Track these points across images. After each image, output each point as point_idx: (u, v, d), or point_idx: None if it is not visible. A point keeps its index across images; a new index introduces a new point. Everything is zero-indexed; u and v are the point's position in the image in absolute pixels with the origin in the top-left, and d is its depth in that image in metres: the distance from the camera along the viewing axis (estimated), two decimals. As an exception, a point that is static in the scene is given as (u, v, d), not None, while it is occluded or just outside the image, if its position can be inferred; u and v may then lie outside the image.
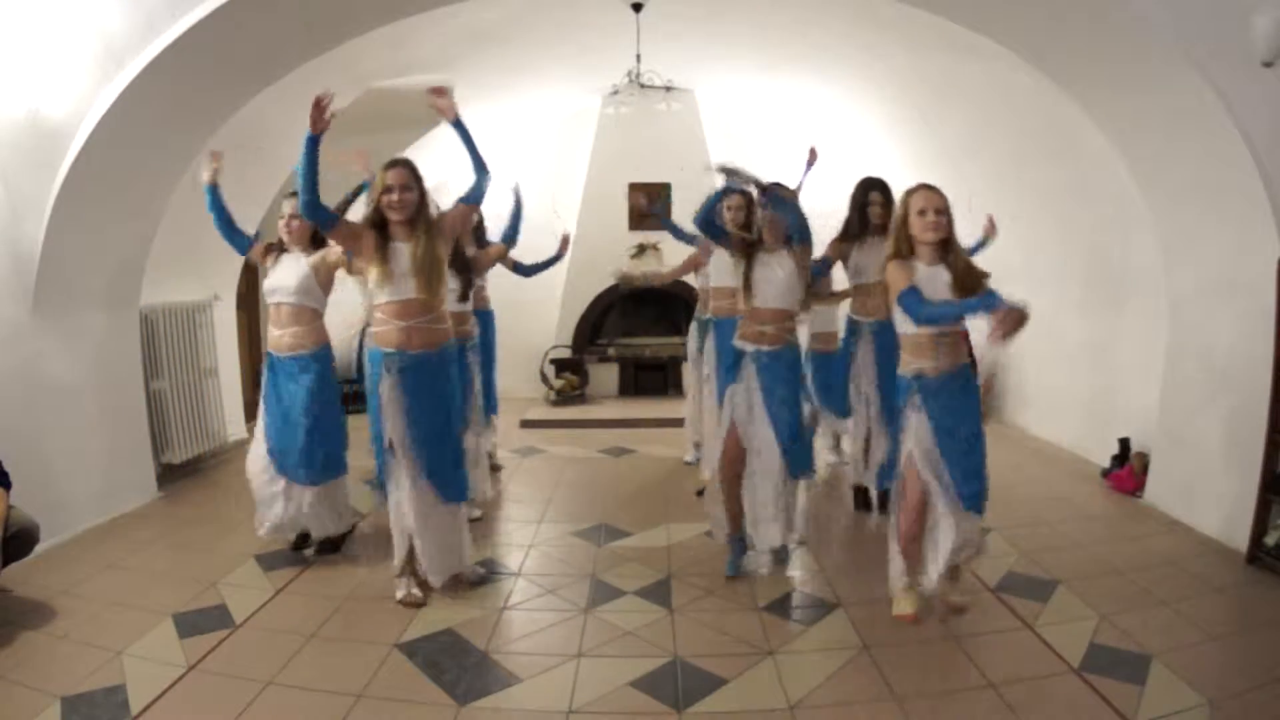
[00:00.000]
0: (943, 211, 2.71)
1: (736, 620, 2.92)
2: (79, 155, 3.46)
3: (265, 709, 2.34)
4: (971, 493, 2.71)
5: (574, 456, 5.42)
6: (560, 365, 7.41)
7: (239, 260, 5.58)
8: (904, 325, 2.76)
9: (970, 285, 2.66)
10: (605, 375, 7.59)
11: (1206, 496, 3.72)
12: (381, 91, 5.31)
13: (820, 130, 7.36)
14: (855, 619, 2.90)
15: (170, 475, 4.68)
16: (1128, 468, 4.42)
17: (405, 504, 3.00)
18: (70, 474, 3.80)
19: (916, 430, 2.74)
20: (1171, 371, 4.04)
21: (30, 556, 3.11)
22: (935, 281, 2.68)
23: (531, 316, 7.15)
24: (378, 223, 2.91)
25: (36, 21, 3.36)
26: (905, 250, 2.75)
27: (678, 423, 5.42)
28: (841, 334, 4.28)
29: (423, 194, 2.95)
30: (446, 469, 3.03)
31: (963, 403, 2.76)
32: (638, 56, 5.27)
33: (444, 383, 3.03)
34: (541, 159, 7.50)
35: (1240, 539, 3.40)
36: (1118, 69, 3.58)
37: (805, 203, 3.34)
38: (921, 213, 2.69)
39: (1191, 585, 3.12)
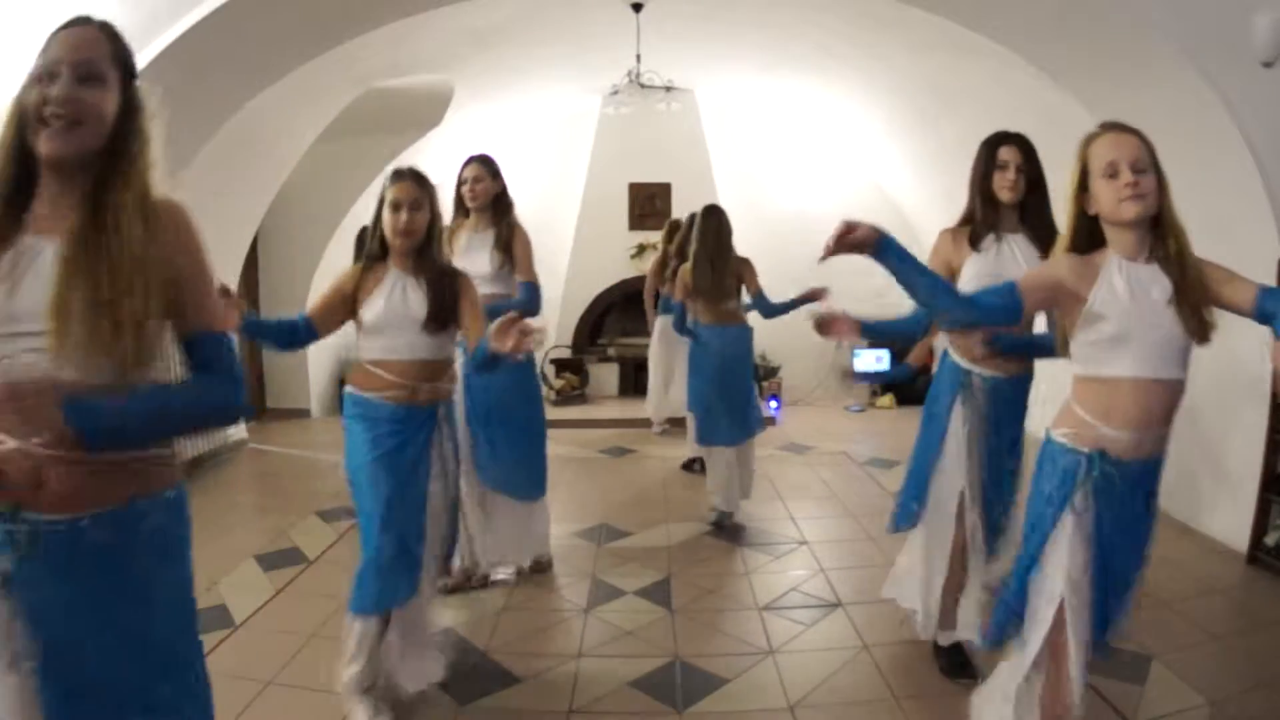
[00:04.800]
0: (1146, 170, 1.53)
1: (736, 620, 2.92)
2: (79, 155, 3.46)
3: (265, 709, 2.33)
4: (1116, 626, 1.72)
5: (574, 456, 5.41)
6: (560, 365, 7.40)
7: (238, 260, 5.59)
8: (1088, 364, 1.67)
9: (1196, 299, 1.55)
10: (605, 375, 7.58)
11: (1206, 496, 3.72)
12: (381, 91, 5.32)
13: (820, 130, 7.40)
14: (855, 619, 2.90)
15: (170, 475, 4.67)
16: (1128, 468, 4.40)
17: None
18: (70, 474, 3.79)
19: (1072, 550, 1.61)
20: (1171, 371, 4.03)
21: (30, 556, 3.10)
22: (1146, 291, 1.57)
23: (531, 316, 7.16)
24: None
25: (37, 21, 3.35)
26: (1084, 239, 1.64)
27: (678, 422, 5.40)
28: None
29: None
30: None
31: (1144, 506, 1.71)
32: (638, 56, 5.28)
33: None
34: (541, 159, 7.51)
35: (1240, 539, 3.40)
36: (1118, 69, 3.58)
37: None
38: (1112, 172, 1.54)
39: (1191, 585, 3.11)
